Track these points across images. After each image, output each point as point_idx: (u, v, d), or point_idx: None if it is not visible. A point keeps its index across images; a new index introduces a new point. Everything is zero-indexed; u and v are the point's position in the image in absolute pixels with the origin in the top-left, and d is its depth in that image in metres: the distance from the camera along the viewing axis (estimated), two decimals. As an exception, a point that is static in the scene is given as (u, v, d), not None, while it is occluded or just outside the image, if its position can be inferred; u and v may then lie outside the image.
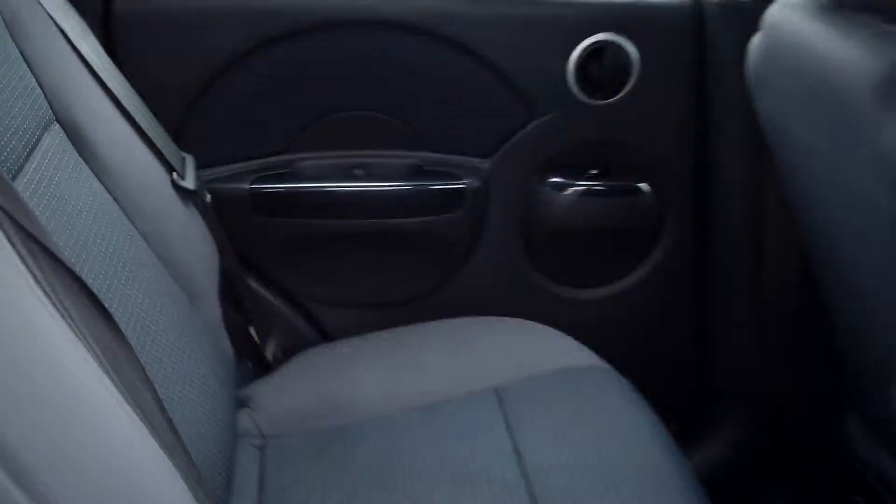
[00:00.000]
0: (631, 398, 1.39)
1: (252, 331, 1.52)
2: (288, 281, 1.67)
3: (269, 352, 1.57)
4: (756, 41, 1.36)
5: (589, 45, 1.58)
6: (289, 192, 1.61)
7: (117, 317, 0.87)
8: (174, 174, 1.33)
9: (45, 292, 0.77)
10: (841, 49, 1.14)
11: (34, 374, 0.70)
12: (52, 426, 0.69)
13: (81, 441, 0.72)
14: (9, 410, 0.65)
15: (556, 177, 1.66)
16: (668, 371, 1.64)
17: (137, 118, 1.29)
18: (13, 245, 0.76)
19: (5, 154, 0.96)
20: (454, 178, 1.63)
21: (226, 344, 1.36)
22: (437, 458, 1.27)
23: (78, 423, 0.73)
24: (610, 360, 1.46)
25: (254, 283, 1.62)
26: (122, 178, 1.20)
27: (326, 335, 1.67)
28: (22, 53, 1.12)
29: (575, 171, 1.67)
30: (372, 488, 1.25)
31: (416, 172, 1.63)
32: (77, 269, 0.83)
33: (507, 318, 1.56)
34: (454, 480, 1.23)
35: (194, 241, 1.35)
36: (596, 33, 1.59)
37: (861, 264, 1.23)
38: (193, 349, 1.19)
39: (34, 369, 0.71)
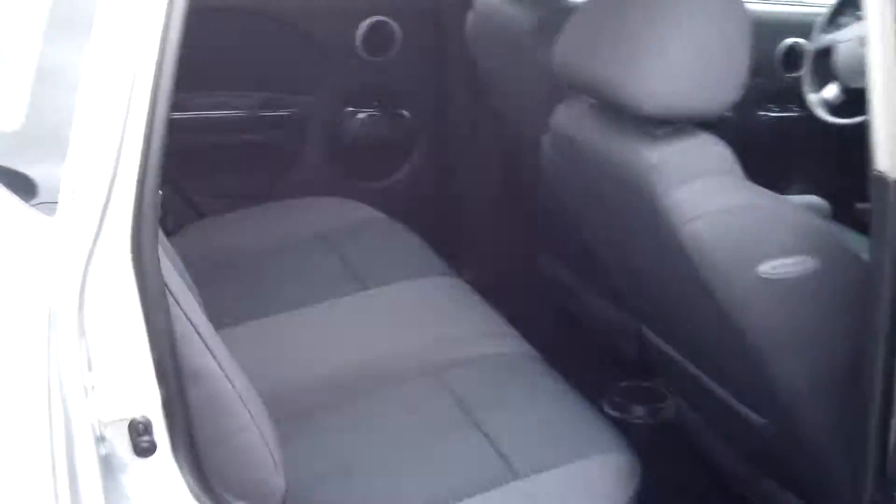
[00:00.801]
0: (412, 236, 2.27)
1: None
2: (178, 178, 2.46)
3: (167, 225, 2.37)
4: (470, 16, 2.29)
5: (369, 22, 2.50)
6: (183, 118, 2.42)
7: None
8: None
9: None
10: (510, 12, 2.08)
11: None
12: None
13: None
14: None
15: (350, 107, 2.56)
16: (433, 229, 2.46)
17: None
18: None
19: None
20: (287, 107, 2.50)
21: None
22: (293, 267, 2.12)
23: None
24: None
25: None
26: None
27: (203, 215, 2.47)
28: None
29: (363, 103, 2.57)
30: (258, 279, 2.07)
31: (263, 105, 2.48)
32: None
33: (329, 197, 2.42)
34: (302, 278, 2.08)
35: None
36: (373, 15, 2.50)
37: (532, 140, 2.15)
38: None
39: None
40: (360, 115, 2.59)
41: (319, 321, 1.92)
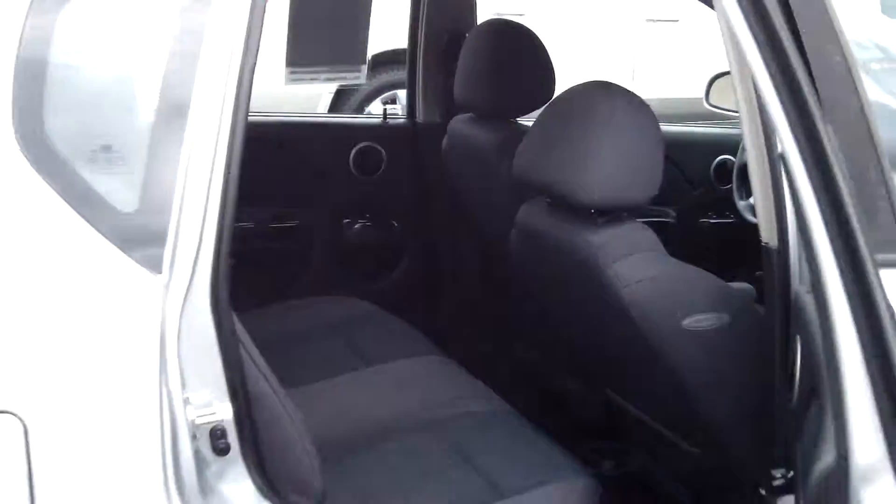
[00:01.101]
0: (405, 325, 2.65)
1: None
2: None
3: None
4: (445, 140, 2.73)
5: (359, 147, 2.95)
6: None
7: None
8: None
9: None
10: (478, 136, 2.52)
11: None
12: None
13: None
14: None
15: (347, 219, 2.99)
16: (422, 320, 2.81)
17: None
18: None
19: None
20: (293, 219, 2.92)
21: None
22: (308, 352, 2.48)
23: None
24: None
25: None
26: None
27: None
28: None
29: (357, 215, 3.00)
30: (282, 361, 2.39)
31: (274, 218, 2.91)
32: None
33: (333, 297, 2.79)
34: (317, 359, 2.44)
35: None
36: (363, 141, 2.95)
37: (501, 237, 2.57)
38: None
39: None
40: (356, 226, 3.03)
41: (333, 392, 2.29)
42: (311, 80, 2.70)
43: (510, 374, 2.87)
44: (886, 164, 1.94)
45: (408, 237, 3.04)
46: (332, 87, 5.54)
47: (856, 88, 1.93)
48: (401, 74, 3.45)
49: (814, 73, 1.88)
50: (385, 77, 5.42)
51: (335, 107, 5.57)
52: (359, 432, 2.09)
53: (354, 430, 2.10)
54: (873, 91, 3.44)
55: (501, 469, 1.94)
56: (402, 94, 5.36)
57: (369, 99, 5.70)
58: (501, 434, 2.09)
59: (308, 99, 5.32)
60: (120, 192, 1.42)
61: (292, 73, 2.70)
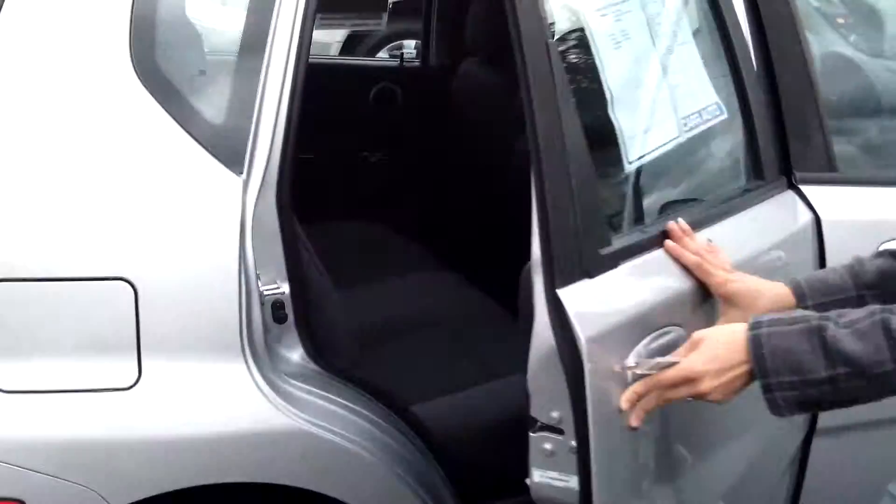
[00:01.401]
0: (417, 245, 3.03)
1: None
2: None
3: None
4: (455, 81, 3.10)
5: (378, 86, 3.33)
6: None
7: None
8: None
9: None
10: (484, 76, 2.89)
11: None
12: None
13: None
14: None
15: (365, 151, 3.36)
16: (432, 242, 3.16)
17: None
18: None
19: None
20: (316, 151, 3.28)
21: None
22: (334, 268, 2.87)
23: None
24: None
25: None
26: None
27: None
28: None
29: (374, 147, 3.38)
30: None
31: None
32: None
33: (355, 222, 3.15)
34: (341, 273, 2.81)
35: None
36: (381, 81, 3.33)
37: (503, 163, 2.92)
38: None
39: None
40: (373, 157, 3.42)
41: (354, 297, 2.64)
42: (338, 25, 3.06)
43: (505, 285, 3.23)
44: (822, 101, 2.30)
45: (419, 167, 3.42)
46: (341, 36, 5.89)
47: (799, 39, 2.30)
48: (404, 25, 3.78)
49: (765, 26, 2.26)
50: (392, 27, 5.76)
51: (345, 53, 5.92)
52: (376, 327, 2.48)
53: (372, 326, 2.48)
54: (839, 45, 3.79)
55: (495, 357, 2.33)
56: (407, 43, 5.74)
57: (376, 48, 6.05)
58: (496, 331, 2.48)
59: (322, 47, 5.65)
60: (213, 108, 1.78)
61: (320, 18, 3.06)
